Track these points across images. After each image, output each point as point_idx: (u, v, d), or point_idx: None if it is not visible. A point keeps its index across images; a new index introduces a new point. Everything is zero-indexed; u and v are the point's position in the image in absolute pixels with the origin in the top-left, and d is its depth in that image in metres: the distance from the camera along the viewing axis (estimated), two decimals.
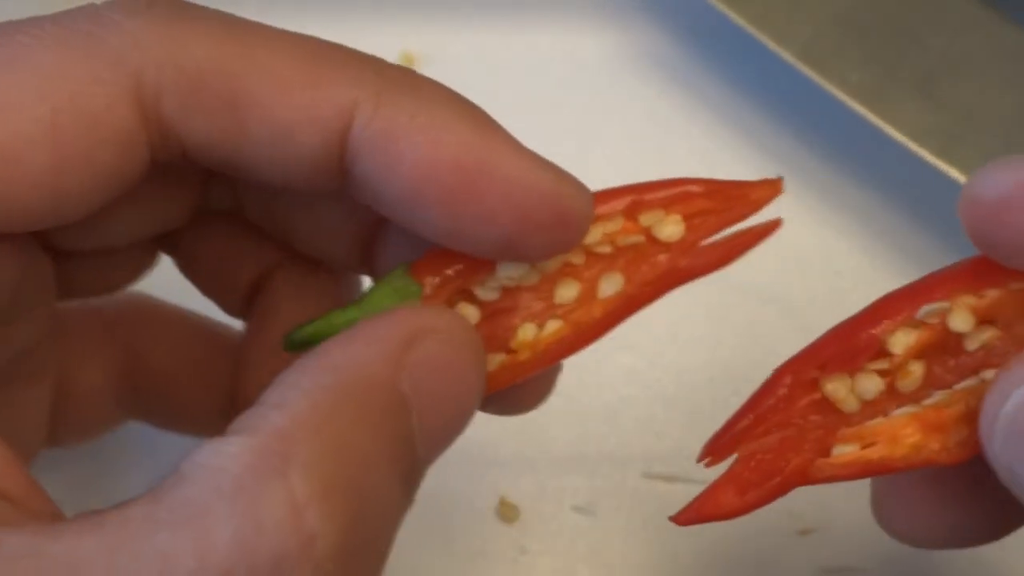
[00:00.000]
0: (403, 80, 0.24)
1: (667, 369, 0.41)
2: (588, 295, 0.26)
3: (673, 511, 0.40)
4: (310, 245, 0.29)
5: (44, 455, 0.31)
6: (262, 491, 0.20)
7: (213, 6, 0.25)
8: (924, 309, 0.25)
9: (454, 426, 0.24)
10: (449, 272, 0.25)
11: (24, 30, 0.23)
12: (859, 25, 0.44)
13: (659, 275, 0.26)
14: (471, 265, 0.26)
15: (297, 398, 0.21)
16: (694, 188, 0.26)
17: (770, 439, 0.25)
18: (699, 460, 0.26)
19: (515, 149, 0.24)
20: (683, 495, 0.40)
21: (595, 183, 0.26)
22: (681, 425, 0.41)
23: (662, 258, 0.26)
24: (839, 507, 0.39)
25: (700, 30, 0.49)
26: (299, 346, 0.26)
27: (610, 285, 0.26)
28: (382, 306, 0.25)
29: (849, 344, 0.25)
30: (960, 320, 0.25)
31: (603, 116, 0.47)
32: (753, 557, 0.38)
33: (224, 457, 0.20)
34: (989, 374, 0.25)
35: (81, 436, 0.33)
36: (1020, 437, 0.23)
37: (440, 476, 0.39)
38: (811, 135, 0.47)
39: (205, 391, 0.32)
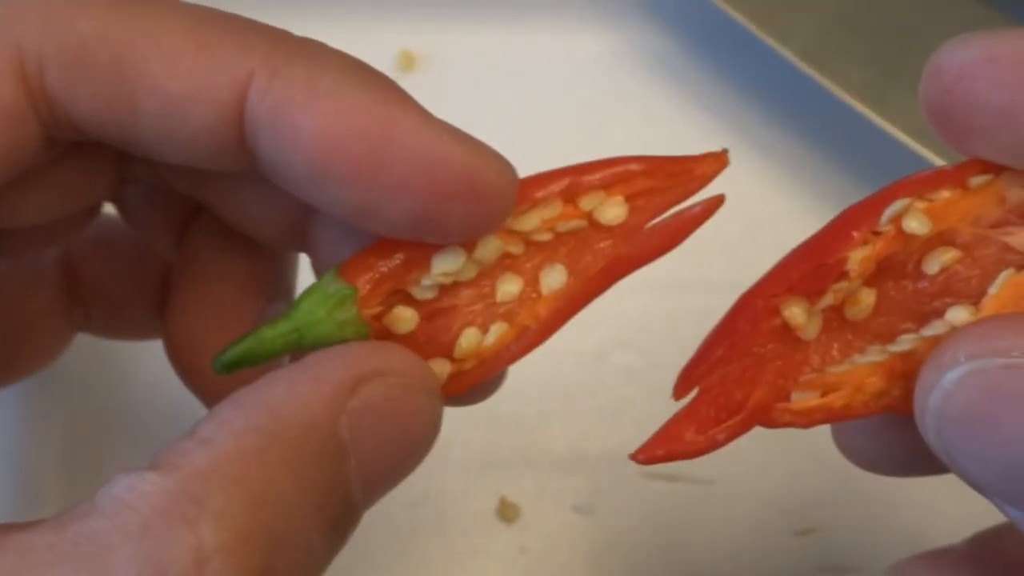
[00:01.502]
0: (301, 49, 0.23)
1: (667, 369, 0.41)
2: (531, 291, 0.25)
3: (673, 510, 0.40)
4: (239, 225, 0.28)
5: None
6: (169, 537, 0.19)
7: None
8: (886, 214, 0.24)
9: (399, 470, 0.24)
10: (382, 270, 0.24)
11: None
12: (860, 24, 0.44)
13: (604, 266, 0.25)
14: (404, 261, 0.24)
15: (225, 438, 0.21)
16: (634, 167, 0.25)
17: (730, 369, 0.25)
18: (672, 396, 0.25)
19: (423, 118, 0.23)
20: (684, 494, 0.40)
21: None
22: None
23: (605, 245, 0.25)
24: (839, 507, 0.39)
25: (700, 29, 0.49)
26: (230, 367, 0.24)
27: (553, 278, 0.25)
28: (315, 315, 0.24)
29: (818, 265, 0.24)
30: (916, 222, 0.24)
31: (603, 116, 0.47)
32: (753, 557, 0.38)
33: (137, 495, 0.20)
34: (955, 314, 0.24)
35: (37, 364, 0.32)
36: (951, 428, 0.22)
37: (440, 476, 0.40)
38: (812, 134, 0.47)
39: (140, 295, 0.32)
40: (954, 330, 0.23)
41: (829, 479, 0.40)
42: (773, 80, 0.47)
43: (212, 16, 0.23)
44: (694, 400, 0.25)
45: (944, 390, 0.22)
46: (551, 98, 0.48)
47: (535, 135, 0.46)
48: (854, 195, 0.49)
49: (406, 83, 0.24)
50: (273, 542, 0.21)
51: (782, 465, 0.40)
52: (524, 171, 0.25)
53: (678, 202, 0.25)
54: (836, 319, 0.25)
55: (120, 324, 0.33)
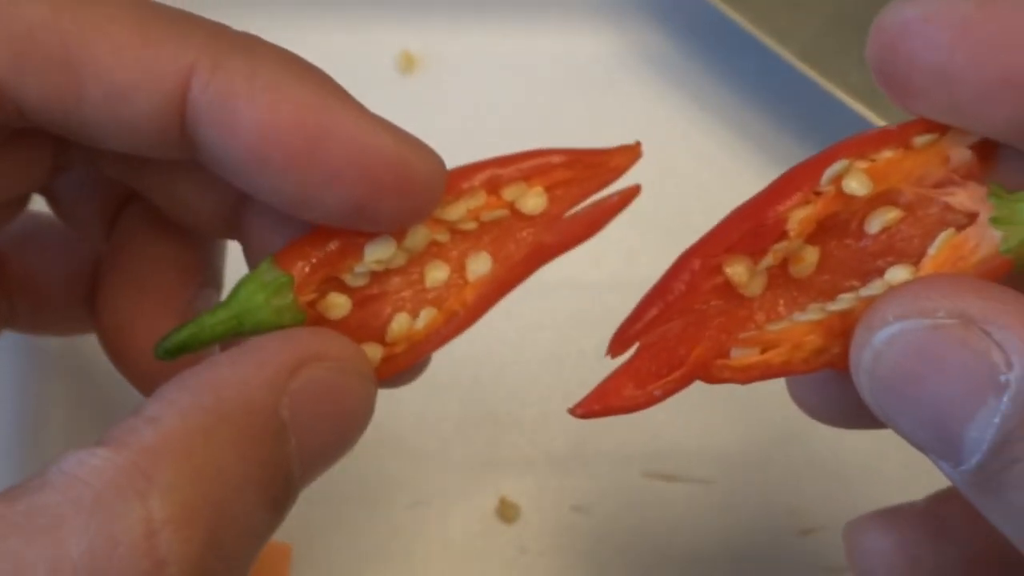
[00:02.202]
0: (241, 43, 0.24)
1: None
2: (458, 278, 0.26)
3: (673, 510, 0.40)
4: (173, 213, 0.29)
5: None
6: (120, 510, 0.20)
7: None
8: (826, 174, 0.24)
9: (335, 450, 0.24)
10: (316, 258, 0.25)
11: None
12: (859, 24, 0.44)
13: (526, 253, 0.26)
14: (338, 249, 0.25)
15: (172, 416, 0.22)
16: (554, 159, 0.26)
17: (672, 327, 0.25)
18: (608, 354, 0.25)
19: (357, 112, 0.24)
20: (684, 494, 0.40)
21: None
22: (679, 423, 0.41)
23: (527, 234, 0.26)
24: (840, 507, 0.39)
25: (700, 30, 0.49)
26: (173, 353, 0.25)
27: (479, 265, 0.26)
28: (253, 302, 0.25)
29: (757, 224, 0.24)
30: (856, 182, 0.24)
31: (602, 116, 0.47)
32: (753, 557, 0.39)
33: (88, 470, 0.21)
34: (894, 273, 0.24)
35: None
36: (882, 387, 0.22)
37: (440, 476, 0.40)
38: (811, 135, 0.47)
39: (68, 291, 0.32)
40: (890, 290, 0.23)
41: (829, 479, 0.40)
42: (772, 80, 0.47)
43: (155, 8, 0.24)
44: (634, 356, 0.25)
45: (874, 350, 0.22)
46: (551, 98, 0.48)
47: (535, 135, 0.46)
48: None
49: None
50: (219, 516, 0.21)
51: (782, 465, 0.40)
52: None
53: (594, 192, 0.27)
54: (782, 276, 0.25)
55: (46, 320, 0.33)
